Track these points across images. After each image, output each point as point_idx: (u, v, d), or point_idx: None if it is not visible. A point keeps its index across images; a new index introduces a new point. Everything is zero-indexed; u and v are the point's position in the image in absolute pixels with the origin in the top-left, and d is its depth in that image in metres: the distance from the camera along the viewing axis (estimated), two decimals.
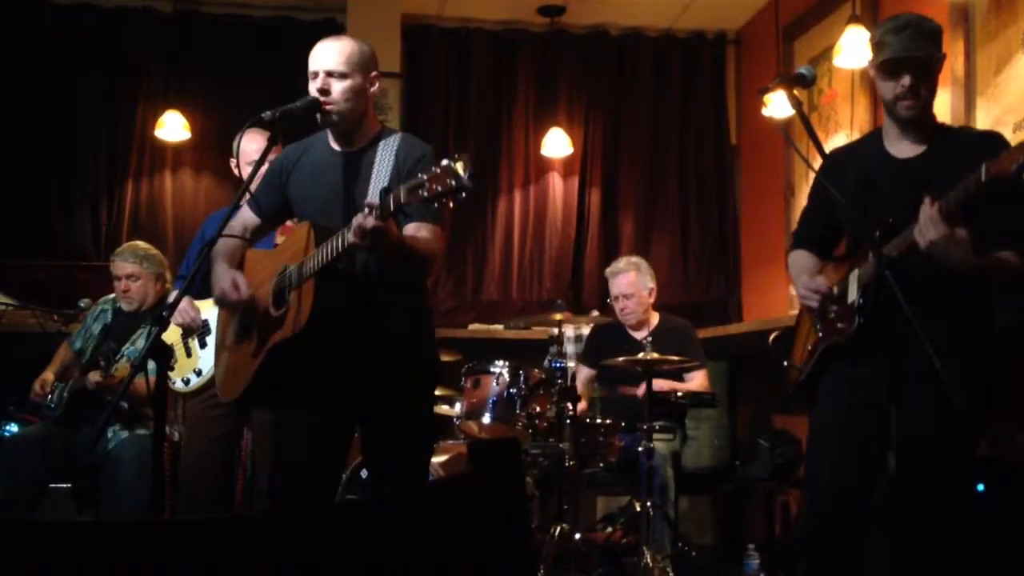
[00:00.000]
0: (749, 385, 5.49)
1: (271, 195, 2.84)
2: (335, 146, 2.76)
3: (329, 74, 2.64)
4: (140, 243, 4.37)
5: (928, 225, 2.32)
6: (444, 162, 2.23)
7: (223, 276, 2.74)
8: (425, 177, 2.25)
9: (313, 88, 2.65)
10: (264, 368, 2.65)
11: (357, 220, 2.34)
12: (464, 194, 2.23)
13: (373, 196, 2.51)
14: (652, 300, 4.72)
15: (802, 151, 3.93)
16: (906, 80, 2.56)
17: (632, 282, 4.67)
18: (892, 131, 2.67)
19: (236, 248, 2.85)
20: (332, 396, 2.70)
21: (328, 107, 2.65)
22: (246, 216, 2.87)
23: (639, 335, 4.65)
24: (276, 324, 2.63)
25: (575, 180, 6.25)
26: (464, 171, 2.20)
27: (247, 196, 2.77)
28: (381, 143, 2.71)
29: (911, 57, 2.55)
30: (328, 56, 2.65)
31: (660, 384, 4.34)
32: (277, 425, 2.99)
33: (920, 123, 2.62)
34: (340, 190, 2.69)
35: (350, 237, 2.37)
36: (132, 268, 4.19)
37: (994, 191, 2.28)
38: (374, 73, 2.73)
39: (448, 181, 2.21)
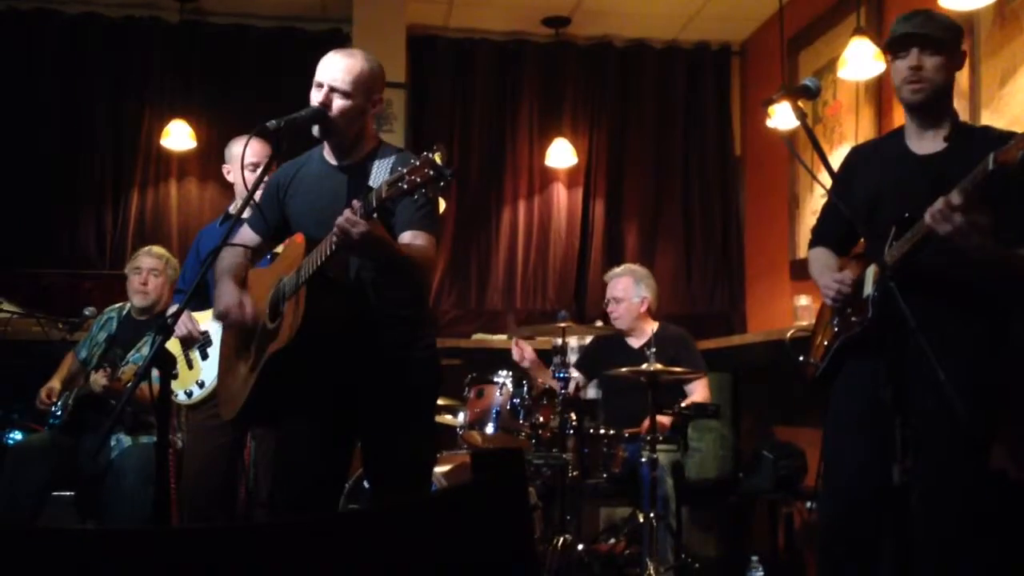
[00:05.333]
0: (753, 396, 5.48)
1: (270, 212, 2.83)
2: (331, 160, 2.76)
3: (333, 89, 2.64)
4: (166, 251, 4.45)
5: (939, 217, 2.33)
6: (423, 153, 2.25)
7: (230, 293, 2.72)
8: (404, 170, 2.25)
9: (315, 97, 2.65)
10: (261, 381, 2.64)
11: (340, 218, 2.34)
12: (444, 183, 2.24)
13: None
14: (644, 309, 4.71)
15: (806, 163, 3.93)
16: (912, 56, 2.61)
17: (624, 287, 4.70)
18: (912, 127, 2.70)
19: (240, 262, 2.85)
20: (331, 408, 2.69)
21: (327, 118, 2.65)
22: (246, 235, 2.86)
23: (635, 344, 4.66)
24: (271, 336, 2.62)
25: (579, 191, 6.26)
26: (442, 160, 2.22)
27: (237, 202, 2.78)
28: (377, 158, 2.71)
29: (916, 33, 2.62)
30: (336, 71, 2.65)
31: (662, 420, 4.35)
32: (278, 439, 2.98)
33: (935, 115, 2.64)
34: (336, 203, 2.67)
35: (334, 238, 2.37)
36: (156, 263, 4.28)
37: (1014, 186, 2.30)
38: (377, 96, 2.73)
39: (427, 171, 2.22)
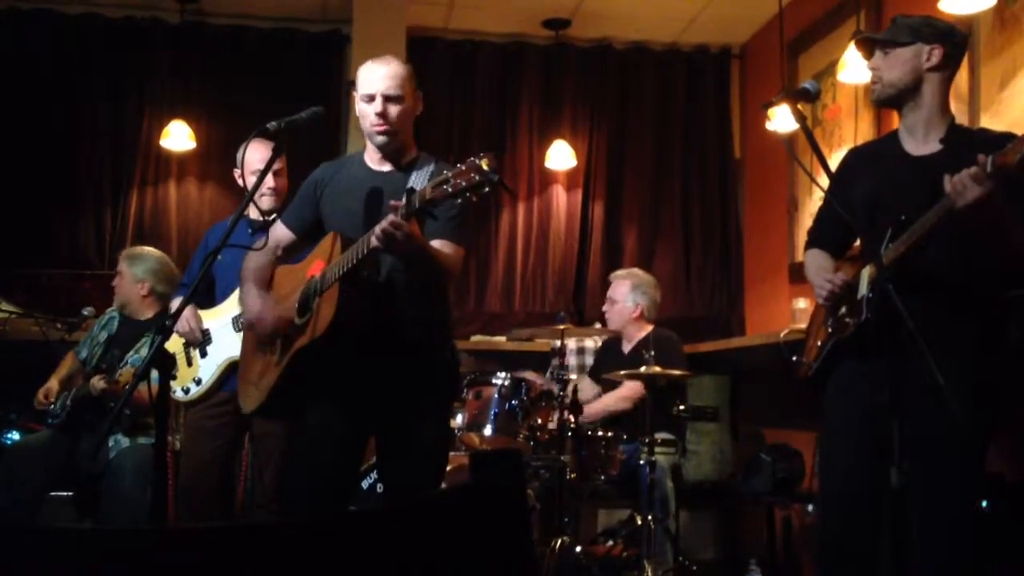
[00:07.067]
0: (751, 399, 5.48)
1: (305, 210, 2.87)
2: (372, 165, 2.80)
3: (387, 98, 2.69)
4: (141, 248, 4.43)
5: (965, 184, 2.33)
6: (469, 159, 2.27)
7: (254, 302, 2.81)
8: (450, 173, 2.27)
9: (371, 110, 2.69)
10: (285, 375, 2.68)
11: (383, 222, 2.37)
12: (488, 189, 2.26)
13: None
14: (636, 315, 4.74)
15: (806, 165, 3.94)
16: (872, 60, 2.69)
17: (621, 291, 4.79)
18: (904, 128, 2.71)
19: (266, 266, 2.88)
20: (350, 405, 2.71)
21: (382, 128, 2.70)
22: (280, 232, 2.90)
23: (627, 348, 4.74)
24: (299, 331, 2.66)
25: (579, 193, 6.26)
26: (488, 167, 2.22)
27: (251, 205, 2.79)
28: (417, 166, 2.75)
29: (870, 37, 2.71)
30: (387, 80, 2.70)
31: (593, 408, 4.45)
32: (294, 432, 3.01)
33: (924, 116, 2.66)
34: (371, 207, 2.71)
35: (374, 241, 2.39)
36: (120, 267, 4.30)
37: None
38: (419, 92, 2.80)
39: (473, 176, 2.24)
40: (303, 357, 2.62)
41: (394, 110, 2.70)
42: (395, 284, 2.65)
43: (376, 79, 2.70)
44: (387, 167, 2.78)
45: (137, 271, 4.24)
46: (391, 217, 2.35)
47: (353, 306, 2.54)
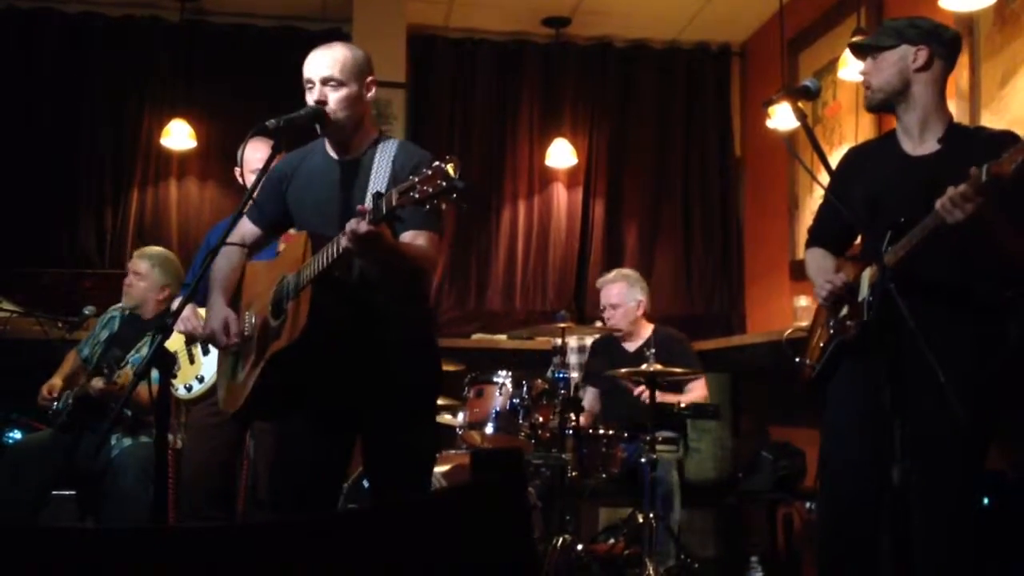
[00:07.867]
0: (752, 397, 5.49)
1: (271, 203, 2.82)
2: (332, 154, 2.75)
3: (324, 83, 2.63)
4: (166, 252, 4.42)
5: (957, 201, 2.32)
6: (435, 163, 2.22)
7: (216, 314, 2.73)
8: (416, 179, 2.23)
9: (310, 98, 2.64)
10: (263, 378, 2.65)
11: (350, 225, 2.32)
12: (455, 195, 2.21)
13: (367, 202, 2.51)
14: (640, 312, 4.74)
15: (806, 163, 3.93)
16: (863, 66, 2.71)
17: (619, 293, 4.74)
18: (901, 129, 2.71)
19: (235, 265, 2.84)
20: (332, 406, 2.69)
21: (326, 116, 2.64)
22: (245, 227, 2.85)
23: (631, 347, 4.70)
24: (274, 334, 2.63)
25: (579, 191, 6.26)
26: (455, 172, 2.20)
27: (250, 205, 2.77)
28: (378, 150, 2.69)
29: (858, 44, 2.73)
30: (322, 65, 2.64)
31: (663, 396, 4.36)
32: (278, 435, 2.98)
33: (920, 117, 2.65)
34: (336, 197, 2.67)
35: (343, 242, 2.36)
36: (143, 268, 4.25)
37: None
38: (370, 78, 2.71)
39: (439, 182, 2.20)
40: (280, 360, 2.59)
41: (333, 95, 2.62)
42: (369, 283, 2.61)
43: (314, 65, 2.65)
44: (348, 155, 2.72)
45: (160, 278, 4.23)
46: (362, 224, 2.31)
47: (328, 308, 2.51)
